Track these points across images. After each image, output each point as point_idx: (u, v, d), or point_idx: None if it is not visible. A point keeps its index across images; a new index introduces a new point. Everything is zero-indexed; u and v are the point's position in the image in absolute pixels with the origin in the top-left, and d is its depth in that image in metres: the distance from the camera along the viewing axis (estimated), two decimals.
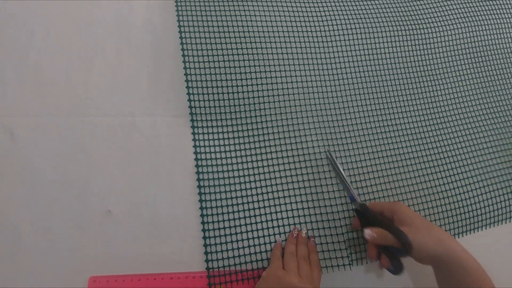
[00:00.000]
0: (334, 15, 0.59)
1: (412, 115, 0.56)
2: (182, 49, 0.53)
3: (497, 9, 0.66)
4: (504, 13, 0.66)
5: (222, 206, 0.47)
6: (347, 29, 0.58)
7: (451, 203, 0.52)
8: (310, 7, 0.59)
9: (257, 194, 0.48)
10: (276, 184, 0.49)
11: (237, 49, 0.54)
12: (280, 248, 0.47)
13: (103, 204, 0.46)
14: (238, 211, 0.48)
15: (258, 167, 0.50)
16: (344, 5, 0.60)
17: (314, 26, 0.57)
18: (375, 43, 0.59)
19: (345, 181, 0.48)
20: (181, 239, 0.46)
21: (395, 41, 0.59)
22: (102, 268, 0.44)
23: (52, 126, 0.48)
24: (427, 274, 0.44)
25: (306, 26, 0.57)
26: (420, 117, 0.56)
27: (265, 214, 0.48)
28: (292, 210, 0.49)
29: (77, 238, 0.44)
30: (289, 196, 0.49)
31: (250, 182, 0.49)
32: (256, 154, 0.50)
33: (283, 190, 0.49)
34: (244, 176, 0.49)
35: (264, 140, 0.51)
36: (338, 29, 0.58)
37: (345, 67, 0.56)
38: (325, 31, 0.58)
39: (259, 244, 0.47)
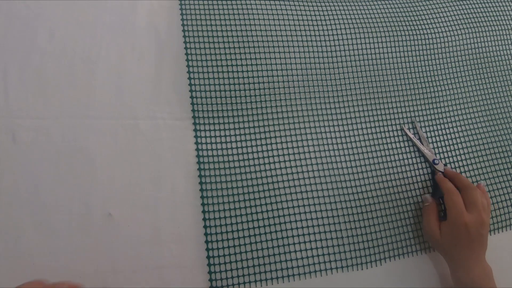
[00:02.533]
0: (337, 15, 0.59)
1: (412, 116, 0.56)
2: (186, 53, 0.53)
3: (500, 15, 0.66)
4: (507, 19, 0.66)
5: (225, 210, 0.47)
6: (349, 28, 0.58)
7: None
8: (314, 9, 0.59)
9: (259, 198, 0.48)
10: (279, 188, 0.49)
11: (241, 53, 0.54)
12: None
13: (104, 207, 0.46)
14: (241, 215, 0.47)
15: (261, 171, 0.50)
16: (347, 7, 0.60)
17: (318, 30, 0.58)
18: (378, 47, 0.59)
19: (426, 146, 0.53)
20: (183, 243, 0.46)
21: (397, 44, 0.60)
22: (102, 270, 0.43)
23: (54, 128, 0.48)
24: None
25: (309, 30, 0.57)
26: (420, 117, 0.57)
27: (268, 218, 0.48)
28: (295, 214, 0.49)
29: (77, 240, 0.44)
30: (296, 199, 0.49)
31: (253, 185, 0.49)
32: (259, 158, 0.50)
33: (285, 194, 0.49)
34: (247, 179, 0.49)
35: (267, 144, 0.51)
36: (341, 30, 0.58)
37: (347, 72, 0.57)
38: (327, 31, 0.58)
39: (262, 249, 0.46)
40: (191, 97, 0.51)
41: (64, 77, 0.50)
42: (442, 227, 0.47)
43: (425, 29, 0.61)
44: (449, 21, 0.63)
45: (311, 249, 0.48)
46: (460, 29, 0.63)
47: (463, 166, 0.55)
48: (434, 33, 0.61)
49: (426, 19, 0.62)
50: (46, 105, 0.48)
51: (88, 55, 0.51)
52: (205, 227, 0.46)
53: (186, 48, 0.53)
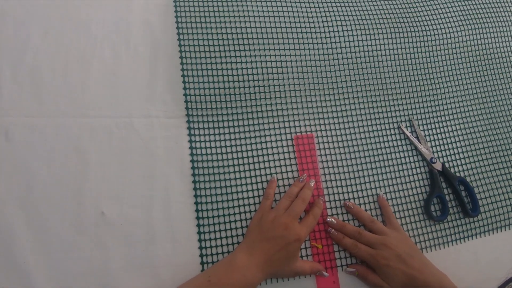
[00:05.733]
0: (333, 15, 0.59)
1: (410, 114, 0.56)
2: (180, 51, 0.53)
3: (498, 11, 0.65)
4: (505, 15, 0.65)
5: (218, 209, 0.47)
6: (347, 30, 0.58)
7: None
8: (311, 6, 0.58)
9: (253, 197, 0.48)
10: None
11: (235, 51, 0.53)
12: (273, 186, 0.47)
13: (97, 206, 0.46)
14: (234, 214, 0.47)
15: (255, 169, 0.49)
16: (344, 5, 0.60)
17: (314, 27, 0.57)
18: (375, 44, 0.58)
19: (424, 144, 0.53)
20: (176, 242, 0.45)
21: (395, 41, 0.59)
22: (95, 269, 0.43)
23: (48, 126, 0.47)
24: None
25: (305, 27, 0.57)
26: (417, 115, 0.56)
27: None
28: None
29: (71, 239, 0.44)
30: None
31: (246, 184, 0.48)
32: (253, 156, 0.50)
33: (279, 193, 0.49)
34: (240, 178, 0.49)
35: (261, 142, 0.51)
36: (337, 27, 0.58)
37: (344, 70, 0.56)
38: (323, 28, 0.57)
39: None
40: (185, 95, 0.51)
41: (58, 76, 0.50)
42: (380, 277, 0.45)
43: (423, 26, 0.61)
44: (447, 17, 0.62)
45: (305, 248, 0.47)
46: (458, 26, 0.62)
47: (461, 165, 0.55)
48: (433, 30, 0.61)
49: (424, 15, 0.62)
50: (40, 103, 0.48)
51: (82, 54, 0.51)
52: (198, 225, 0.46)
53: (180, 46, 0.53)
